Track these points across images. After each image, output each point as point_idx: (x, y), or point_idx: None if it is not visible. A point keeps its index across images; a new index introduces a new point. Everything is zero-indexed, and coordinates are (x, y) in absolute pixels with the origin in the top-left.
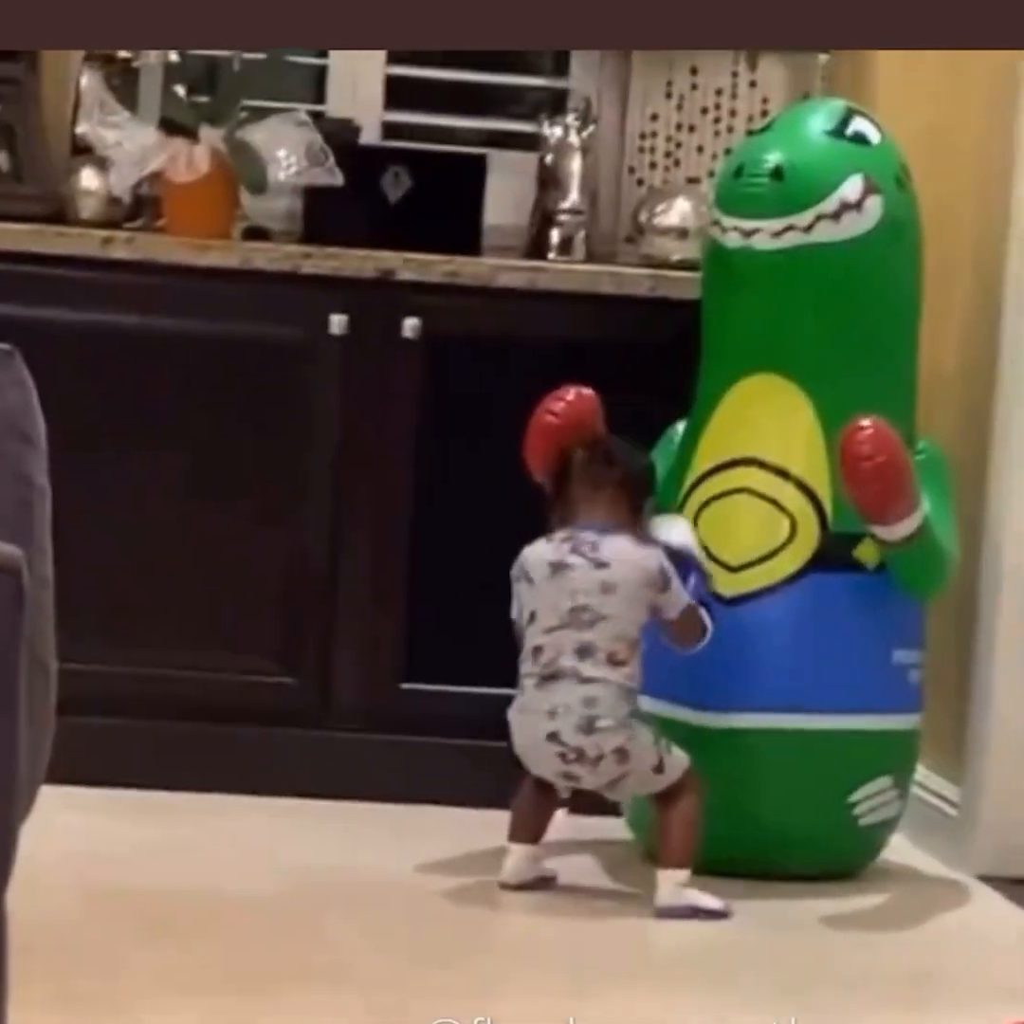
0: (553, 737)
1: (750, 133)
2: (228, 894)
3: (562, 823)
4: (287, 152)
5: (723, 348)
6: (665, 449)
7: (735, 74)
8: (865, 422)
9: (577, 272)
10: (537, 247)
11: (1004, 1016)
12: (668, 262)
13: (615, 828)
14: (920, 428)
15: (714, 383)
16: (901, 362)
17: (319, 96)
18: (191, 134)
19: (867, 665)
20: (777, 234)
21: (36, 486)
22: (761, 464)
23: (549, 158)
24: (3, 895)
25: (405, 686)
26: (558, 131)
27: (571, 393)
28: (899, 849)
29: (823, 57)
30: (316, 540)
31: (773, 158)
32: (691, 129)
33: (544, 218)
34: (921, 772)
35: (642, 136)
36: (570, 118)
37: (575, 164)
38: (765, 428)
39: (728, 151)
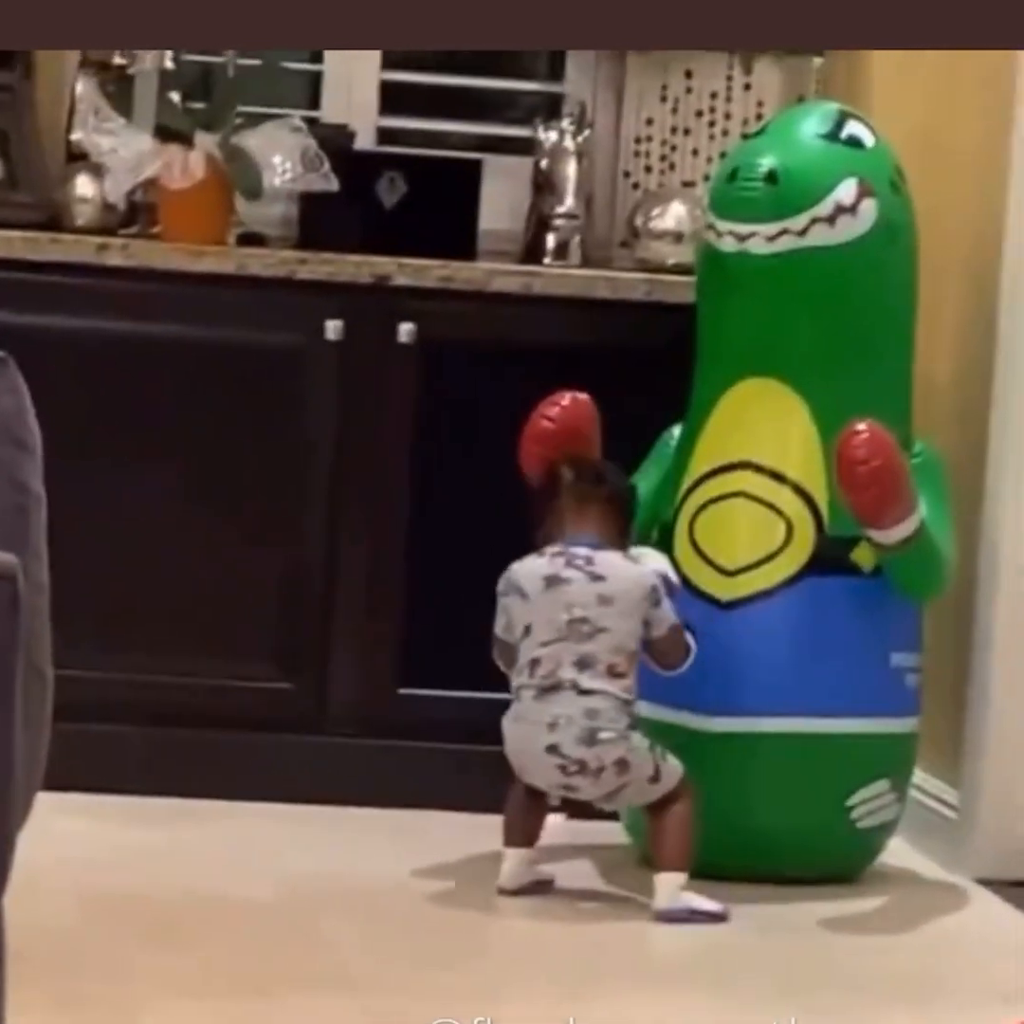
0: (553, 749)
1: (745, 137)
2: (226, 899)
3: (560, 828)
4: (282, 158)
5: (718, 352)
6: (661, 453)
7: (730, 77)
8: (861, 426)
9: (572, 277)
10: (532, 252)
11: (1003, 1019)
12: (663, 266)
13: (612, 832)
14: (916, 430)
15: (710, 387)
16: (897, 365)
17: (314, 102)
18: (186, 140)
19: (864, 668)
20: (772, 238)
21: (31, 492)
22: (757, 468)
23: (544, 163)
24: (0, 900)
25: (402, 691)
26: (553, 135)
27: (566, 398)
28: (897, 852)
29: (818, 60)
30: (312, 545)
31: (767, 162)
32: (686, 132)
33: (539, 223)
34: (919, 775)
35: (637, 140)
36: (565, 122)
37: (570, 169)
38: (761, 432)
39: (723, 154)
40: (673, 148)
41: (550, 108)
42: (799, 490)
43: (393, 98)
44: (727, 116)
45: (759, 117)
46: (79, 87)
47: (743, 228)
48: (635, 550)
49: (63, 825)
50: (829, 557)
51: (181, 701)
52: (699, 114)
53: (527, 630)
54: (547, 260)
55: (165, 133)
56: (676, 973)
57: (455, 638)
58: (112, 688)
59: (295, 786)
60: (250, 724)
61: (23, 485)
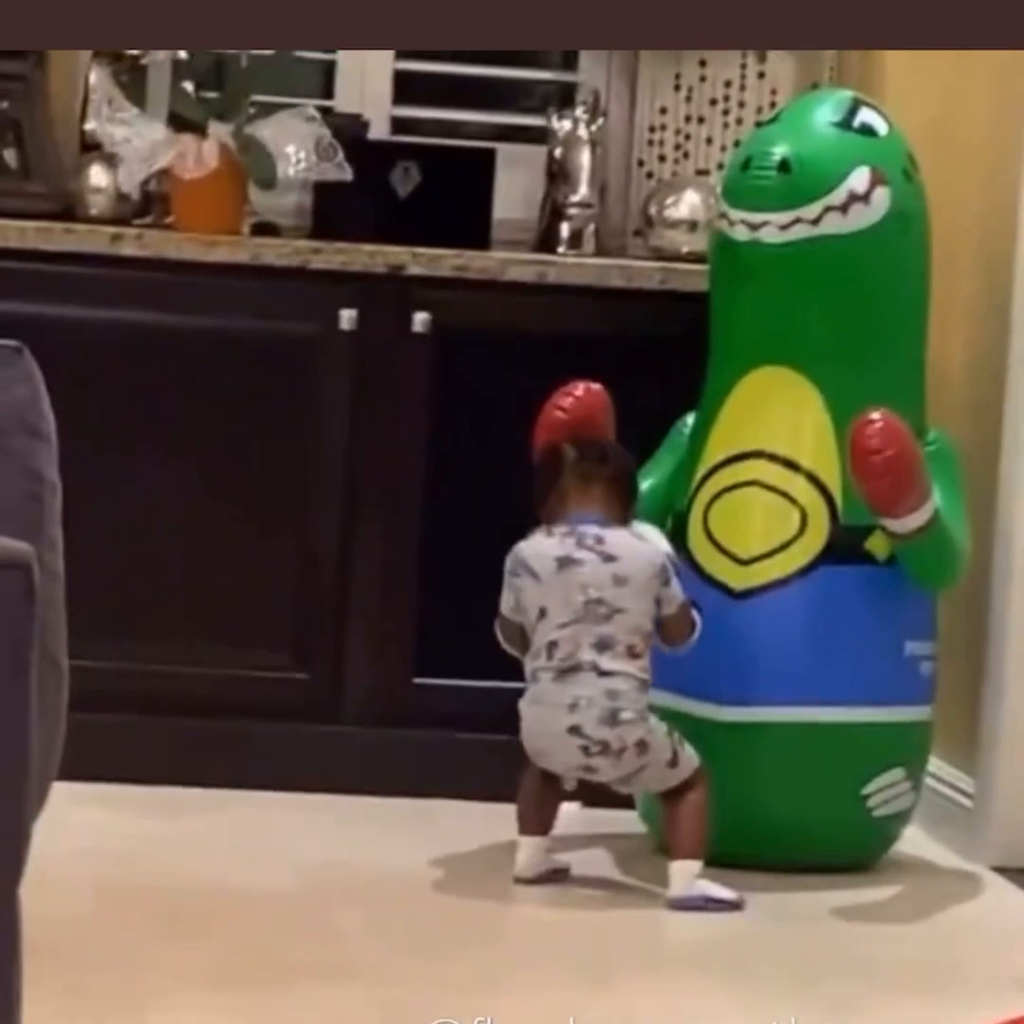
0: (575, 730)
1: (758, 125)
2: (240, 889)
3: (575, 816)
4: (296, 148)
5: (732, 341)
6: (675, 442)
7: (743, 66)
8: (875, 415)
9: (586, 266)
10: (546, 241)
11: (1018, 1006)
12: (677, 255)
13: (628, 821)
14: (930, 420)
15: (723, 376)
16: (910, 353)
17: (327, 91)
18: (200, 130)
19: (879, 657)
20: (785, 227)
21: (46, 481)
22: (771, 457)
23: (558, 152)
24: (16, 890)
25: (417, 681)
26: (567, 124)
27: (580, 388)
28: (913, 841)
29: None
30: (327, 535)
31: (780, 151)
32: (700, 121)
33: (553, 212)
34: (934, 763)
35: (651, 129)
36: (579, 111)
37: (584, 157)
38: (775, 421)
39: (737, 143)
40: (687, 137)
41: (564, 97)
42: (813, 479)
43: (407, 87)
44: (741, 104)
45: (773, 105)
46: (92, 77)
47: (756, 217)
48: (635, 527)
49: (78, 815)
50: (843, 546)
51: (196, 691)
52: (713, 103)
53: (542, 612)
54: (561, 249)
55: (179, 123)
56: (691, 961)
57: (470, 628)
58: (127, 678)
59: (310, 775)
60: (265, 714)
61: (38, 474)
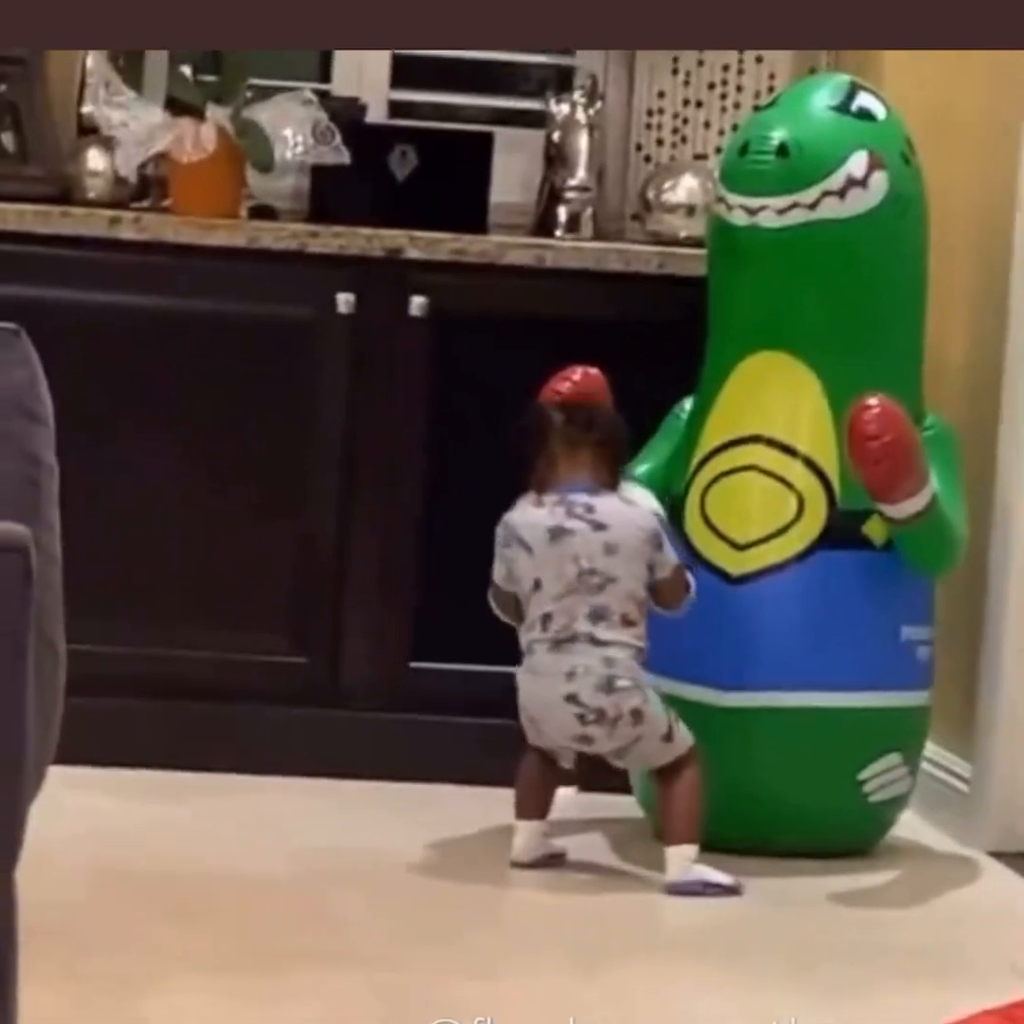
0: (572, 698)
1: (756, 109)
2: (238, 873)
3: (572, 801)
4: (293, 131)
5: (729, 325)
6: (672, 426)
7: (741, 50)
8: (872, 400)
9: (584, 250)
10: (544, 225)
11: (1015, 992)
12: (675, 239)
13: (625, 806)
14: (928, 405)
15: (721, 360)
16: (908, 338)
17: (325, 75)
18: (197, 113)
19: (876, 642)
20: (782, 211)
21: (44, 464)
22: (768, 441)
23: (556, 135)
24: (12, 874)
25: (414, 665)
26: (565, 108)
27: (578, 372)
28: (909, 825)
29: None
30: (325, 519)
31: (778, 135)
32: (698, 105)
33: (551, 196)
34: (931, 748)
35: (649, 113)
36: (577, 95)
37: (582, 141)
38: (772, 405)
39: (735, 127)
40: (685, 121)
41: (562, 81)
42: (810, 464)
43: (404, 71)
44: (739, 89)
45: (771, 89)
46: (90, 61)
47: (754, 201)
48: (623, 488)
49: (75, 799)
50: (840, 531)
51: (194, 675)
52: (711, 87)
53: (536, 584)
54: (559, 233)
55: (176, 106)
56: (688, 946)
57: (468, 612)
58: (124, 662)
59: (308, 760)
60: (263, 698)
61: (35, 457)
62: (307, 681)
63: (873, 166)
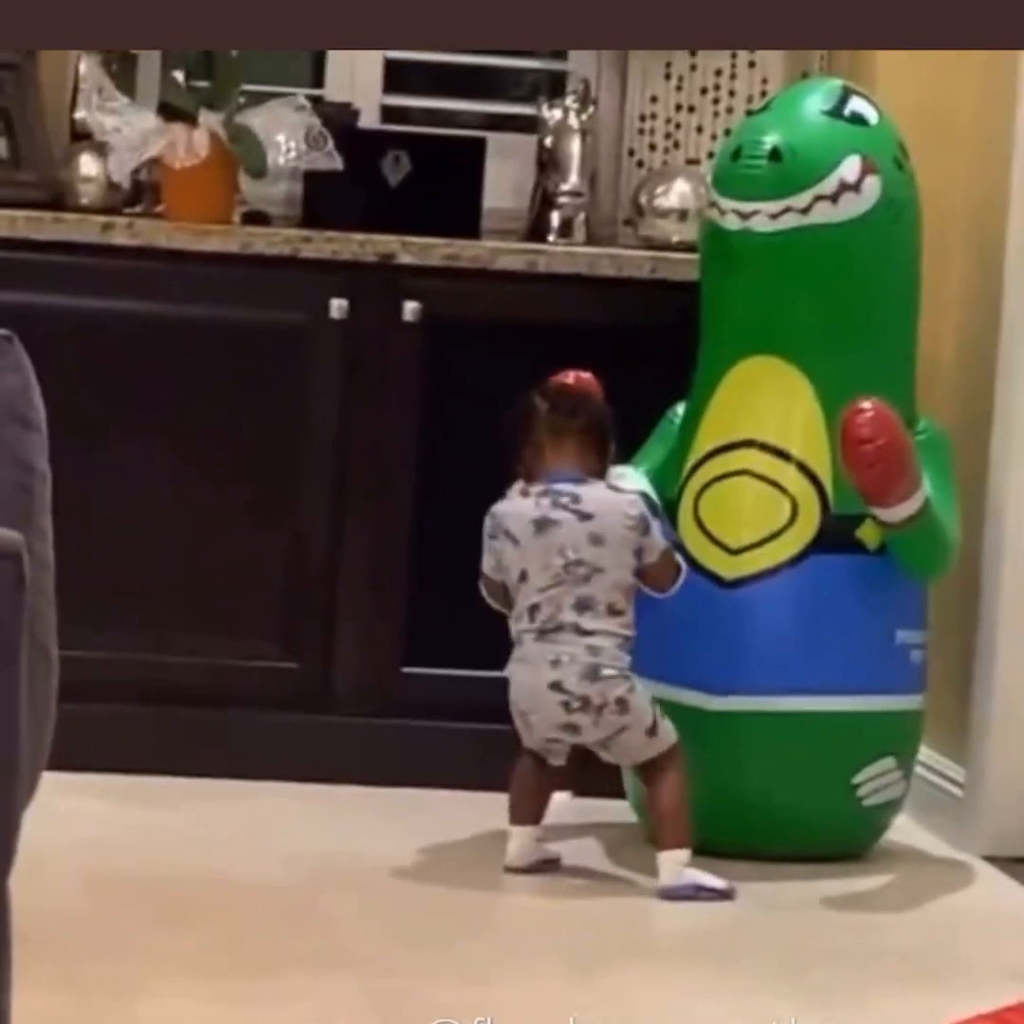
0: (556, 686)
1: (749, 114)
2: (231, 878)
3: (566, 806)
4: (286, 136)
5: (722, 330)
6: (665, 431)
7: (734, 55)
8: (865, 404)
9: (577, 255)
10: (537, 230)
11: (1009, 996)
12: (668, 244)
13: (619, 810)
14: (920, 409)
15: (714, 365)
16: (901, 342)
17: (318, 80)
18: (190, 119)
19: (869, 646)
20: (775, 216)
21: (36, 471)
22: (761, 446)
23: (548, 140)
24: (6, 880)
25: (406, 670)
26: (557, 113)
27: (571, 377)
28: (903, 830)
29: None
30: (317, 524)
31: (771, 140)
32: (691, 110)
33: (544, 201)
34: (925, 752)
35: (641, 118)
36: (569, 100)
37: (574, 146)
38: (765, 410)
39: (727, 132)
40: (677, 126)
41: (554, 86)
42: (803, 468)
43: (397, 76)
44: (731, 93)
45: (763, 94)
46: (83, 66)
47: (746, 206)
48: (615, 469)
49: (68, 804)
50: (834, 535)
51: (185, 680)
52: (703, 91)
53: (523, 575)
54: (552, 238)
55: (169, 112)
56: (682, 950)
57: (460, 617)
58: (116, 667)
59: (300, 765)
60: (255, 703)
61: (28, 463)
62: (299, 686)
63: (866, 171)
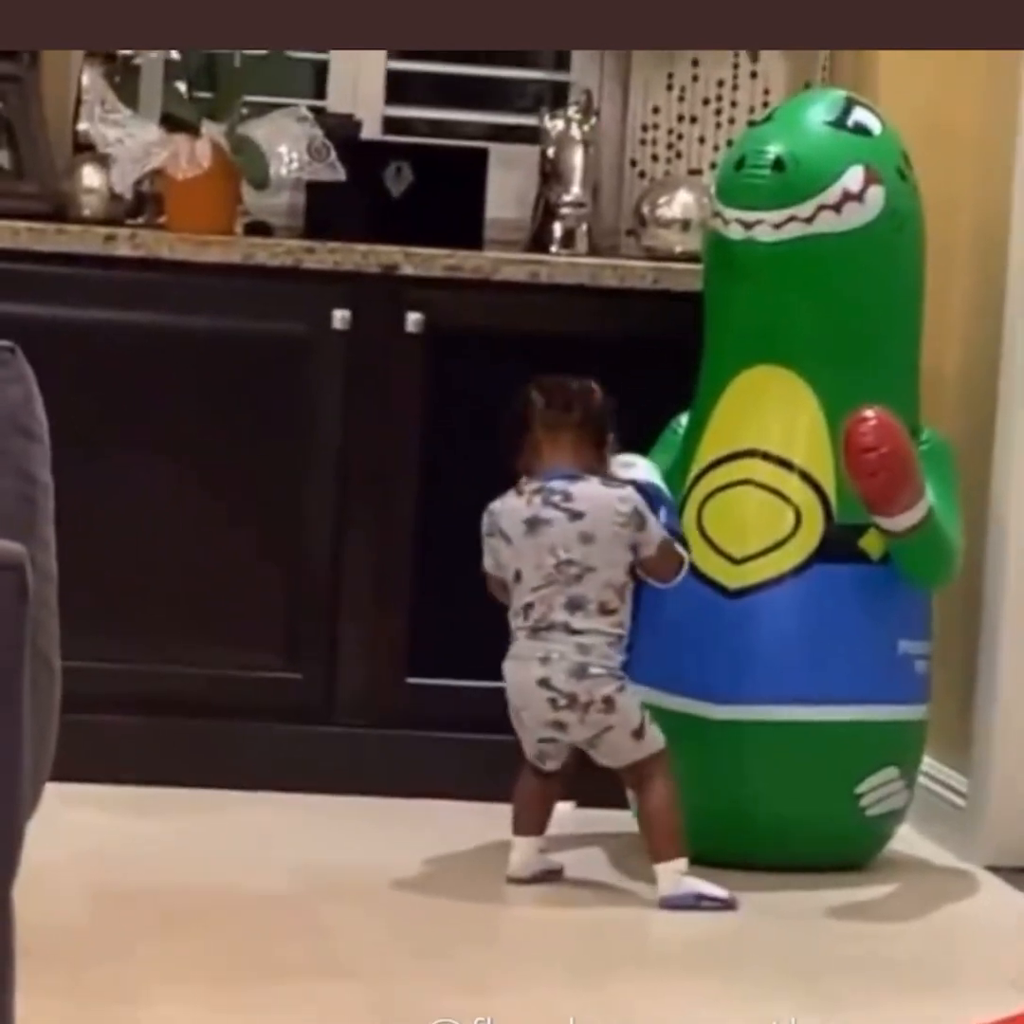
0: (544, 683)
1: (751, 124)
2: (233, 888)
3: (569, 816)
4: (288, 148)
5: (725, 340)
6: (668, 441)
7: (736, 65)
8: (869, 413)
9: (579, 265)
10: (539, 240)
11: (1011, 1005)
12: (671, 254)
13: (622, 821)
14: (924, 419)
15: (717, 375)
16: (904, 352)
17: (320, 92)
18: (192, 130)
19: (873, 656)
20: (779, 225)
21: (39, 482)
22: (765, 455)
23: (551, 151)
24: (10, 890)
25: (409, 681)
26: (559, 124)
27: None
28: (906, 839)
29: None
30: (319, 534)
31: (774, 149)
32: (693, 121)
33: (546, 211)
34: (928, 762)
35: (644, 128)
36: (571, 111)
37: (577, 157)
38: (768, 419)
39: (730, 142)
40: (680, 136)
41: (556, 96)
42: (807, 477)
43: (399, 87)
44: (734, 104)
45: (766, 105)
46: (85, 78)
47: (750, 215)
48: (624, 458)
49: (71, 816)
50: (837, 545)
51: (189, 691)
52: (706, 102)
53: (517, 575)
54: (554, 249)
55: (171, 123)
56: (685, 960)
57: (463, 628)
58: (119, 678)
59: (303, 776)
60: (258, 714)
61: (31, 475)
62: (302, 697)
63: (869, 181)
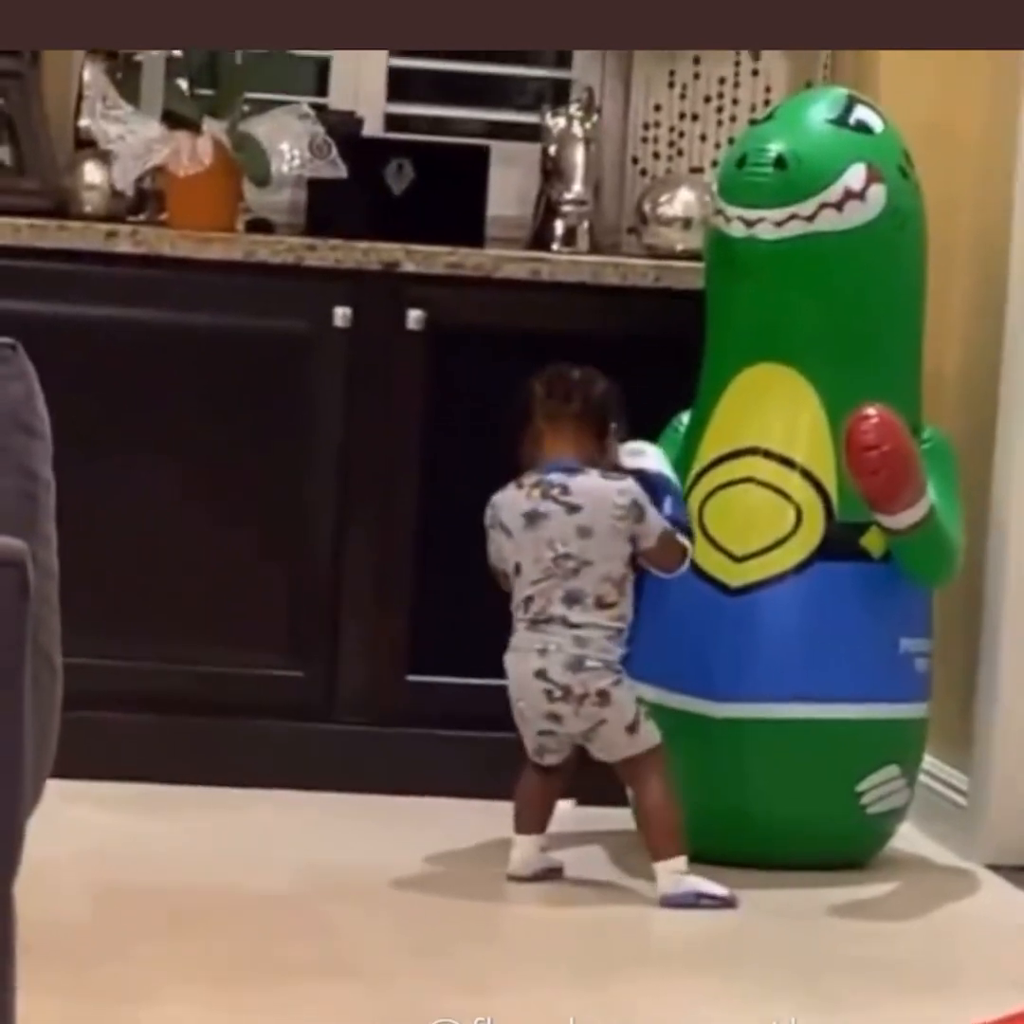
0: (541, 674)
1: (753, 122)
2: (235, 887)
3: (570, 814)
4: (290, 145)
5: (727, 338)
6: (670, 439)
7: (737, 63)
8: (870, 410)
9: (581, 263)
10: (540, 238)
11: (1012, 1004)
12: (672, 252)
13: (623, 819)
14: (925, 417)
15: (718, 373)
16: (906, 350)
17: (321, 89)
18: (194, 127)
19: (874, 654)
20: (780, 223)
21: (41, 479)
22: (766, 453)
23: (552, 149)
24: (11, 888)
25: (411, 679)
26: (561, 122)
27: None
28: (907, 838)
29: None
30: (321, 531)
31: (776, 147)
32: (694, 118)
33: (547, 209)
34: (929, 761)
35: (645, 126)
36: (573, 108)
37: (578, 155)
38: (770, 417)
39: (731, 140)
40: (681, 134)
41: (558, 94)
42: (808, 475)
43: (401, 84)
44: (735, 102)
45: (767, 103)
46: (87, 74)
47: (751, 213)
48: (632, 445)
49: (72, 813)
50: (839, 543)
51: (190, 689)
52: (707, 100)
53: (517, 568)
54: (555, 246)
55: (173, 120)
56: (686, 958)
57: (465, 625)
58: (121, 676)
59: (304, 774)
60: (260, 712)
61: (32, 471)
62: (303, 695)
63: (871, 179)
